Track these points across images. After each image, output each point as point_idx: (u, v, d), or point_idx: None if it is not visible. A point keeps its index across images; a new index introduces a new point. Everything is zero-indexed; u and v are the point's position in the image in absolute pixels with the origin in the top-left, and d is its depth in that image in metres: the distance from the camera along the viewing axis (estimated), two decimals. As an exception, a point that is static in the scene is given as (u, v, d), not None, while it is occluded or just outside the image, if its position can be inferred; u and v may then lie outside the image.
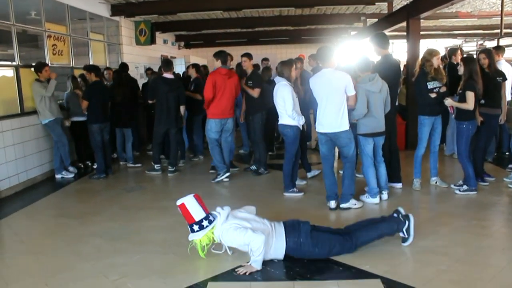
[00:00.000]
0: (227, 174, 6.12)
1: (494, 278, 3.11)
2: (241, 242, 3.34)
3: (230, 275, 3.29)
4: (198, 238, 3.42)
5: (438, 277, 3.14)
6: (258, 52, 6.82)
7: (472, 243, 3.76)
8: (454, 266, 3.31)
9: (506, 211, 4.67)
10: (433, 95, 5.14)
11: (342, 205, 4.73)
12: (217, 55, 6.09)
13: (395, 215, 3.77)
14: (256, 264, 3.31)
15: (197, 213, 3.43)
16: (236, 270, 3.33)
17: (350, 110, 4.65)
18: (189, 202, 3.45)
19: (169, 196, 5.62)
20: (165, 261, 3.59)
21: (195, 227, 3.42)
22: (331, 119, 4.54)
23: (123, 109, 7.10)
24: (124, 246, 3.92)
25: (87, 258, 3.68)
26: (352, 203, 4.75)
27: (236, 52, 7.79)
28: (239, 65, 8.01)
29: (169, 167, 6.73)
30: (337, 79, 4.53)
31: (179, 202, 3.46)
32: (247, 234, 3.30)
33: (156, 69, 9.15)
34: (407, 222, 3.66)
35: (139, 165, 7.36)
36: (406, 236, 3.66)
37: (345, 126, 4.55)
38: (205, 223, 3.41)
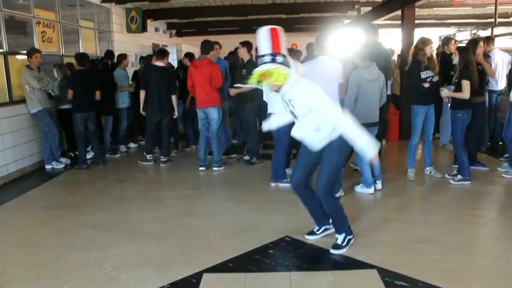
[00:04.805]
0: (200, 168, 6.20)
1: (489, 267, 3.11)
2: (323, 107, 3.03)
3: (225, 267, 3.24)
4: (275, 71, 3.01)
5: (433, 266, 3.14)
6: (251, 41, 6.69)
7: (466, 232, 3.76)
8: (450, 255, 3.31)
9: (500, 200, 4.70)
10: (426, 85, 5.12)
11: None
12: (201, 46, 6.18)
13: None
14: (367, 149, 2.99)
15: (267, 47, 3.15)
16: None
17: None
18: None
19: (161, 186, 5.58)
20: (159, 252, 3.54)
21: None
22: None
23: (106, 97, 6.99)
24: (117, 237, 3.87)
25: (80, 249, 3.63)
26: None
27: (228, 41, 7.69)
28: (231, 53, 7.90)
29: (161, 157, 6.65)
30: (333, 66, 4.50)
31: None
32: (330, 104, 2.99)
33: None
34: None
35: (118, 155, 7.34)
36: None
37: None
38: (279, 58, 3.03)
